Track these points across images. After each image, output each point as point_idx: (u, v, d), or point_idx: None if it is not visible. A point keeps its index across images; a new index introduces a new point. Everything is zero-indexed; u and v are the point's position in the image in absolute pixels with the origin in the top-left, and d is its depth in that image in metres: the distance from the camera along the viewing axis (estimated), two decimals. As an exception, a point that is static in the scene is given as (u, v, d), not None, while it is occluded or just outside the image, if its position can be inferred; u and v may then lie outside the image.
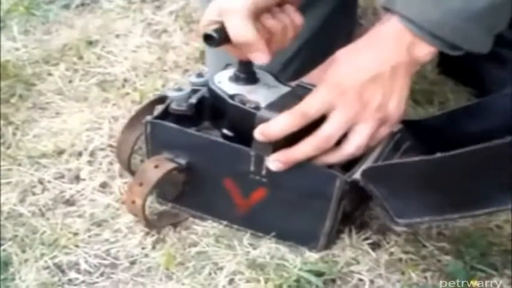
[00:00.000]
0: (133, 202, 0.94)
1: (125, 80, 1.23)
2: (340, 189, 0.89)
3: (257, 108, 0.91)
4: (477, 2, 0.87)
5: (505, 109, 0.92)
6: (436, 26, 0.88)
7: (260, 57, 0.90)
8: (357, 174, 0.88)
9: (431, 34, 0.88)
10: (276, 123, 0.89)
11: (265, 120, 0.89)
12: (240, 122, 0.92)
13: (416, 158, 0.89)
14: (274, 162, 0.90)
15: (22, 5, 1.39)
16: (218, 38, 0.89)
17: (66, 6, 1.40)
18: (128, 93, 1.20)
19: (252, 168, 0.91)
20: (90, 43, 1.30)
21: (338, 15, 1.15)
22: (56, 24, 1.36)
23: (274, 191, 0.92)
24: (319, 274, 0.91)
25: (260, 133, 0.89)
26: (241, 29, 0.89)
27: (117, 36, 1.32)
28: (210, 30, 0.89)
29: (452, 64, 1.23)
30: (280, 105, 0.91)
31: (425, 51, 0.90)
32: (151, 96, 1.15)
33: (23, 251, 0.94)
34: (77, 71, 1.25)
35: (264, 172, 0.91)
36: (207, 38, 0.89)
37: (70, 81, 1.23)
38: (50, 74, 1.24)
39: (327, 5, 1.13)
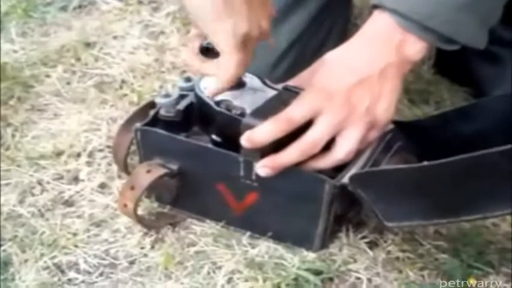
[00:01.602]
0: (125, 206, 0.94)
1: (123, 82, 1.23)
2: (330, 193, 0.89)
3: (242, 114, 0.91)
4: None
5: (497, 111, 0.92)
6: (427, 18, 0.87)
7: None
8: (345, 178, 0.89)
9: (422, 26, 0.88)
10: (261, 130, 0.89)
11: (250, 127, 0.89)
12: (227, 129, 0.92)
13: (404, 166, 0.89)
14: (263, 168, 0.90)
15: (20, 7, 1.39)
16: (213, 48, 0.90)
17: (64, 8, 1.41)
18: (125, 95, 1.20)
19: (242, 173, 0.92)
20: (88, 45, 1.31)
21: (328, 13, 1.15)
22: (54, 26, 1.36)
23: (266, 195, 0.93)
24: (317, 273, 0.92)
25: (246, 140, 0.89)
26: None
27: (115, 37, 1.33)
28: (205, 43, 0.90)
29: (447, 64, 1.23)
30: (265, 111, 0.91)
31: (416, 48, 0.90)
32: (148, 98, 1.16)
33: (23, 251, 0.95)
34: (75, 73, 1.25)
35: (254, 177, 0.91)
36: (205, 51, 0.90)
37: (68, 83, 1.23)
38: (48, 76, 1.24)
39: (315, 3, 1.13)
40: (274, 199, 0.92)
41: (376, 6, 0.91)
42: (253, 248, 0.95)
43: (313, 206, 0.91)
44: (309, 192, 0.90)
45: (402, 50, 0.90)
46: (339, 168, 0.91)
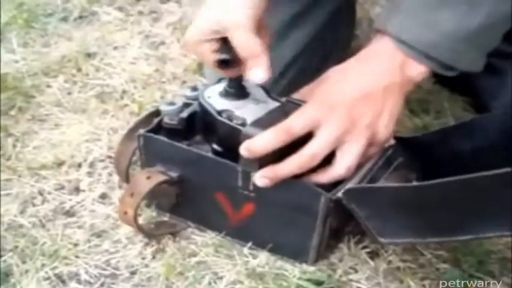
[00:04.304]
0: (126, 213, 0.94)
1: (124, 92, 1.23)
2: (325, 207, 0.89)
3: (243, 124, 0.91)
4: (470, 23, 0.87)
5: (497, 128, 0.91)
6: (429, 48, 0.88)
7: (259, 74, 0.90)
8: (341, 193, 0.88)
9: (425, 55, 0.89)
10: (260, 140, 0.88)
11: (249, 136, 0.89)
12: (227, 138, 0.93)
13: (398, 184, 0.89)
14: (261, 178, 0.90)
15: (21, 18, 1.39)
16: (232, 58, 0.90)
17: (65, 19, 1.41)
18: (126, 105, 1.21)
19: (240, 183, 0.92)
20: (89, 55, 1.31)
21: (333, 26, 1.15)
22: (55, 37, 1.36)
23: (262, 206, 0.93)
24: (318, 283, 0.92)
25: (245, 149, 0.89)
26: (248, 42, 0.89)
27: (115, 48, 1.33)
28: (219, 55, 0.90)
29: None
30: (266, 121, 0.91)
31: (418, 70, 0.90)
32: (149, 108, 1.16)
33: (24, 262, 0.95)
34: (76, 83, 1.26)
35: (251, 187, 0.91)
36: (223, 63, 0.90)
37: (69, 93, 1.24)
38: (49, 86, 1.25)
39: (320, 16, 1.13)
40: (271, 210, 0.92)
41: (378, 30, 0.92)
42: (254, 258, 0.95)
43: (308, 219, 0.90)
44: (305, 205, 0.90)
45: (405, 70, 0.90)
46: (338, 182, 0.91)
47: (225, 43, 0.91)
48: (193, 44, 0.93)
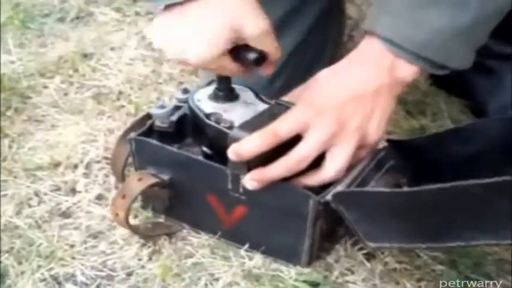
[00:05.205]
0: (117, 215, 0.94)
1: (120, 93, 1.23)
2: (314, 210, 0.89)
3: (231, 127, 0.91)
4: (462, 19, 0.86)
5: (492, 134, 0.91)
6: (420, 47, 0.87)
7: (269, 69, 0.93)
8: (330, 195, 0.88)
9: (415, 55, 0.88)
10: (247, 143, 0.88)
11: (236, 140, 0.89)
12: (216, 141, 0.93)
13: (386, 190, 0.88)
14: (250, 181, 0.90)
15: (17, 18, 1.39)
16: (261, 55, 0.91)
17: (61, 19, 1.41)
18: (123, 106, 1.21)
19: (230, 186, 0.92)
20: (85, 56, 1.31)
21: (321, 28, 1.15)
22: (51, 37, 1.36)
23: (253, 209, 0.93)
24: (314, 284, 0.92)
25: (232, 153, 0.89)
26: (273, 41, 0.91)
27: (112, 49, 1.33)
28: (251, 56, 0.90)
29: (443, 76, 1.23)
30: (253, 124, 0.90)
31: (408, 71, 0.89)
32: (146, 109, 1.16)
33: (20, 263, 0.95)
34: (72, 84, 1.25)
35: (241, 190, 0.91)
36: (258, 61, 0.91)
37: (65, 94, 1.23)
38: (45, 87, 1.25)
39: (308, 19, 1.13)
40: (262, 213, 0.92)
41: (366, 31, 0.91)
42: (250, 259, 0.95)
43: (298, 222, 0.90)
44: (294, 208, 0.89)
45: (394, 72, 0.89)
46: (329, 183, 0.90)
47: (245, 47, 0.90)
48: (215, 59, 0.90)
